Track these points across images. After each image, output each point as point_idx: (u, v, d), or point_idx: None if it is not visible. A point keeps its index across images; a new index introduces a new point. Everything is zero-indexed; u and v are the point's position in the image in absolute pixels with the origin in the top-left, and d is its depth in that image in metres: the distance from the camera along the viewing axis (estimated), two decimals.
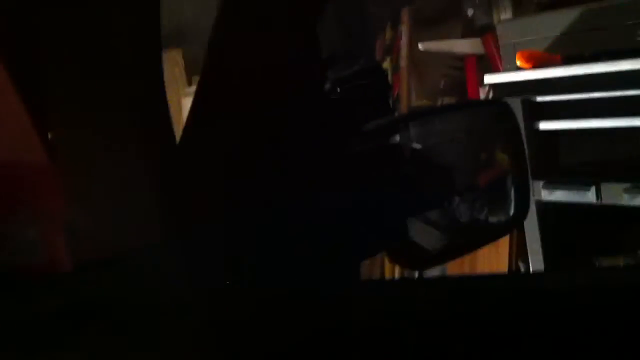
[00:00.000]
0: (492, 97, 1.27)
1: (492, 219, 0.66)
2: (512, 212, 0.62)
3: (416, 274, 1.68)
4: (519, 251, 1.62)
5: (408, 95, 2.02)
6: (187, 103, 1.85)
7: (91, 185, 0.35)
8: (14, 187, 0.35)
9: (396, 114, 1.96)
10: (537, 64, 1.18)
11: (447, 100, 1.99)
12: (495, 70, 1.64)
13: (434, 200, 0.65)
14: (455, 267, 1.61)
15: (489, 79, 1.26)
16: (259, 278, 0.41)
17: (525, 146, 0.64)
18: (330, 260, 0.47)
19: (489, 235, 0.69)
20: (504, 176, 0.65)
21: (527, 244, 1.35)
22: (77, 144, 0.35)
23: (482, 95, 1.79)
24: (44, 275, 0.35)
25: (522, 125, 1.19)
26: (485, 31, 1.79)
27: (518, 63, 1.20)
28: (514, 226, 0.68)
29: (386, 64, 2.03)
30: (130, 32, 0.35)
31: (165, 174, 0.37)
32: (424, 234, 0.61)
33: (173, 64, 2.03)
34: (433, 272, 1.50)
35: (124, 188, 0.35)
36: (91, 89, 0.34)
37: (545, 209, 1.27)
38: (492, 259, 1.67)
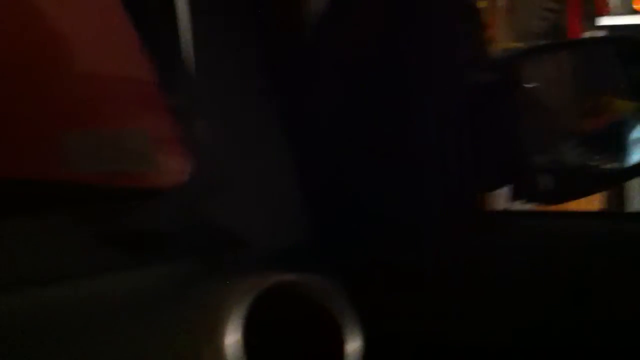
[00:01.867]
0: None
1: (606, 165, 0.64)
2: (632, 160, 0.60)
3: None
4: (612, 195, 1.58)
5: (502, 36, 1.97)
6: None
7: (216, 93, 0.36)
8: (125, 99, 0.36)
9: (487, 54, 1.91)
10: None
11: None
12: (598, 14, 1.58)
13: (543, 139, 0.63)
14: None
15: (604, 21, 1.22)
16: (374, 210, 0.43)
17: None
18: (453, 193, 0.48)
19: (603, 181, 0.67)
20: (622, 122, 0.63)
21: (626, 192, 1.33)
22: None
23: None
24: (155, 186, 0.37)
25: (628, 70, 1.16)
26: None
27: (634, 7, 1.16)
28: (635, 175, 0.65)
29: (482, 3, 1.98)
30: None
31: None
32: (536, 173, 0.60)
33: None
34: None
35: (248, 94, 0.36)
36: None
37: None
38: (582, 201, 1.64)
